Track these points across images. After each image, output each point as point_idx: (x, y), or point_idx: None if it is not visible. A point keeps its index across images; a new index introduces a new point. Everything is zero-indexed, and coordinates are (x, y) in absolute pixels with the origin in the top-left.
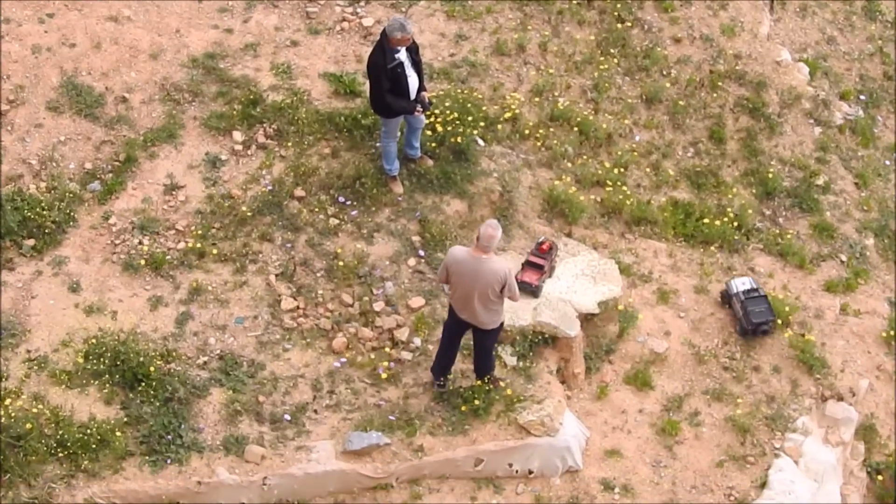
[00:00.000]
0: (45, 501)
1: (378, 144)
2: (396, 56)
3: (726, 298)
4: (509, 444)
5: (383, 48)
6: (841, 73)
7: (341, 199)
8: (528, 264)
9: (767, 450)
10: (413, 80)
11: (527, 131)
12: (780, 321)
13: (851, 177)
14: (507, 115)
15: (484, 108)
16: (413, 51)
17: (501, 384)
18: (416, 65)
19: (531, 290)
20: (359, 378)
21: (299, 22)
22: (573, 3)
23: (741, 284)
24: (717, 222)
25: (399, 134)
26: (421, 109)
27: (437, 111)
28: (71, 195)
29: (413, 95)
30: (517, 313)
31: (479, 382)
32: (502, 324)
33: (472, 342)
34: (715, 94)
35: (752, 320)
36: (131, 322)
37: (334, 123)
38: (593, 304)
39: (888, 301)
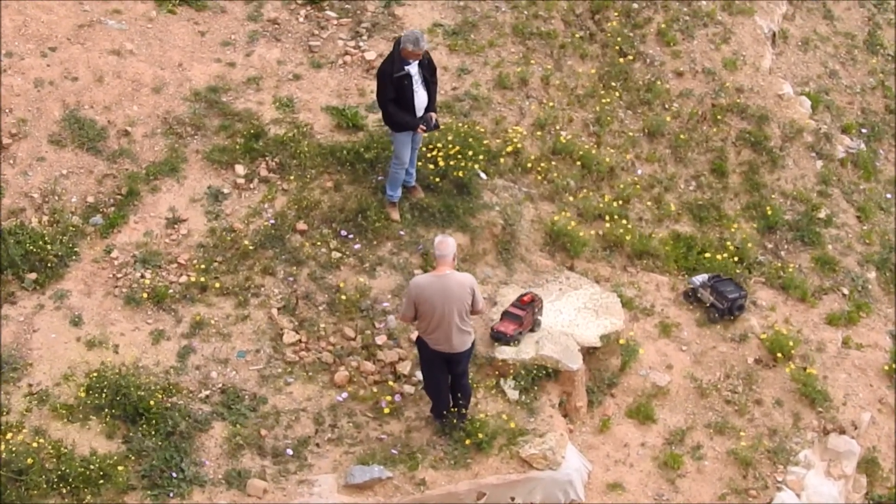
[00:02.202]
0: None
1: (380, 178)
2: (406, 68)
3: (691, 295)
4: (511, 477)
5: (393, 57)
6: (843, 107)
7: (343, 232)
8: (505, 314)
9: (770, 483)
10: (421, 97)
11: (529, 165)
12: (781, 354)
13: (853, 210)
14: (510, 148)
15: (486, 141)
16: (428, 70)
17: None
18: (428, 84)
19: (505, 341)
20: (361, 412)
21: (302, 55)
22: (575, 37)
23: (703, 276)
24: (719, 256)
25: (407, 163)
26: (424, 128)
27: (439, 144)
28: (73, 229)
29: (420, 113)
30: (520, 347)
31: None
32: (474, 342)
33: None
34: (717, 128)
35: (727, 297)
36: (133, 356)
37: (336, 157)
38: (595, 337)
39: (890, 334)
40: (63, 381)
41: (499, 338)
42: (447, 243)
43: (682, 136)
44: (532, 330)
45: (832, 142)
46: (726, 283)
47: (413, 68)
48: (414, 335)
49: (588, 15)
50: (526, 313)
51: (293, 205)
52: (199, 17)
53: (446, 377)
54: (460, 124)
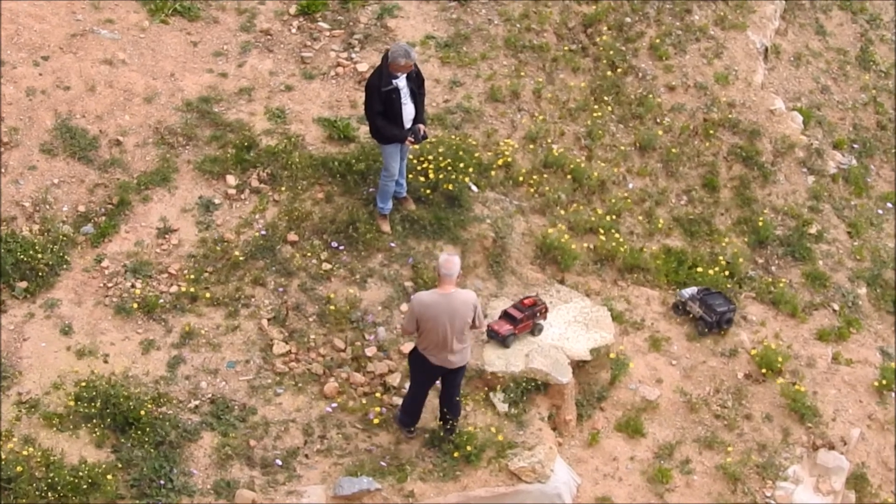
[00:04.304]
0: None
1: (371, 190)
2: (394, 81)
3: (680, 307)
4: (500, 490)
5: (381, 71)
6: (834, 123)
7: (334, 243)
8: (503, 314)
9: (758, 498)
10: (409, 110)
11: (520, 178)
12: (771, 370)
13: (844, 226)
14: (501, 161)
15: (477, 154)
16: (416, 82)
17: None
18: (416, 96)
19: (497, 339)
20: (350, 423)
21: (294, 67)
22: (567, 51)
23: (693, 289)
24: (710, 270)
25: (397, 174)
26: (413, 140)
27: (429, 157)
28: (64, 238)
29: (408, 125)
30: (509, 360)
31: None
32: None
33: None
34: (708, 143)
35: (716, 310)
36: (123, 365)
37: (328, 168)
38: (585, 350)
39: (880, 350)
40: (53, 389)
41: (491, 335)
42: (453, 262)
43: (673, 151)
44: (532, 333)
45: (824, 157)
46: (715, 297)
47: (401, 81)
48: (404, 347)
49: (580, 28)
50: (524, 315)
51: (284, 216)
52: (192, 28)
53: (427, 393)
54: (452, 137)
